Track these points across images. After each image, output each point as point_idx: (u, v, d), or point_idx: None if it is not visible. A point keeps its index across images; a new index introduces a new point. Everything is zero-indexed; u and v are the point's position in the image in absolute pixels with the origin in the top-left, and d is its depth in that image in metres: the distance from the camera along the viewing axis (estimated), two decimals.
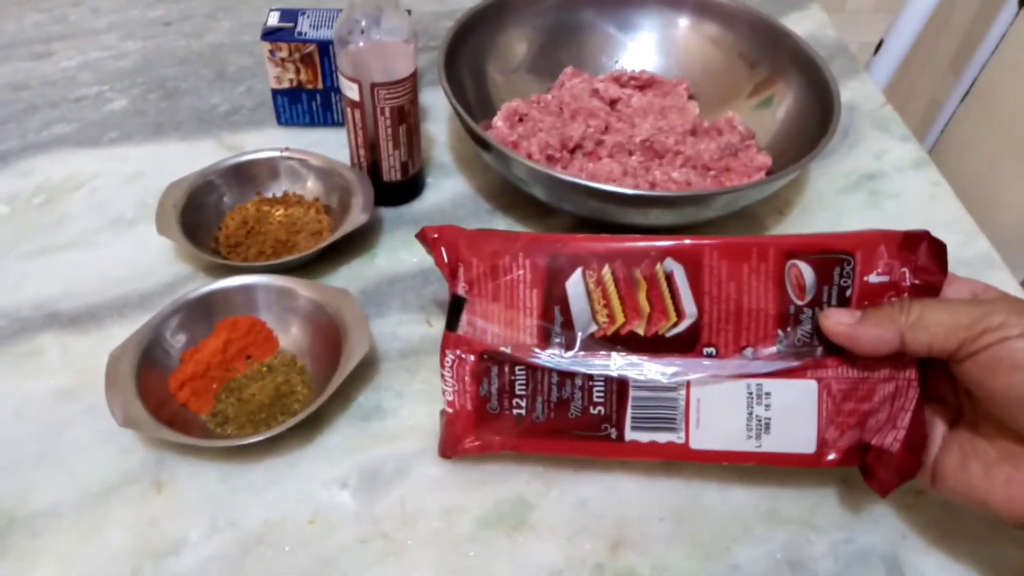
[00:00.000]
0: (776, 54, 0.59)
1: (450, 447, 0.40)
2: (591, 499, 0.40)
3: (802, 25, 0.75)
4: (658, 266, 0.38)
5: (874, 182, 0.60)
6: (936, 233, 0.54)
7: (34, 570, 0.37)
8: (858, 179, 0.61)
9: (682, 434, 0.38)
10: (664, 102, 0.60)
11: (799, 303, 0.38)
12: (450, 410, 0.40)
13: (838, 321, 0.36)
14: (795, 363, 0.38)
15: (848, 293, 0.38)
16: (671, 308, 0.38)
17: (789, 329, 0.38)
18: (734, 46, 0.61)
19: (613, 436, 0.39)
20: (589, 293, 0.39)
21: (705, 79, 0.62)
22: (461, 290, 0.40)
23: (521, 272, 0.39)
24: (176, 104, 0.64)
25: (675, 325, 0.38)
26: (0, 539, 0.38)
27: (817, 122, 0.54)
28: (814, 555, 0.39)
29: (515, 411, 0.39)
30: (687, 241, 0.39)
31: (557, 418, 0.39)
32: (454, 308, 0.40)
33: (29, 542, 0.38)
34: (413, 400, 0.44)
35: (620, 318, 0.39)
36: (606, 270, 0.39)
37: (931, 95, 1.52)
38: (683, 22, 0.63)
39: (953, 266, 0.54)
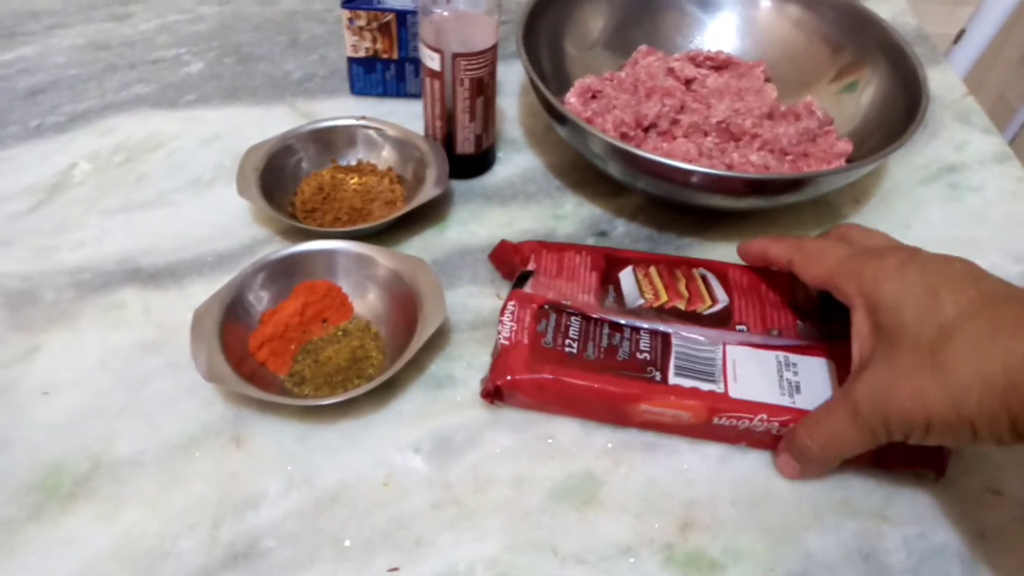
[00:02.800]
0: (862, 40, 0.58)
1: (499, 374, 0.41)
2: (660, 479, 0.40)
3: (881, 11, 0.73)
4: (694, 270, 0.47)
5: (954, 174, 0.59)
6: (1018, 229, 0.53)
7: (119, 513, 0.38)
8: (938, 170, 0.59)
9: (721, 385, 0.41)
10: (740, 84, 0.59)
11: (808, 308, 0.45)
12: (505, 342, 0.42)
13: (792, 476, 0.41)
14: (812, 343, 0.43)
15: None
16: (706, 295, 0.45)
17: (805, 320, 0.44)
18: (818, 29, 0.60)
19: (657, 378, 0.41)
20: (638, 281, 0.46)
21: (784, 62, 0.61)
22: (530, 267, 0.46)
23: (582, 260, 0.47)
24: (251, 69, 0.65)
25: (710, 307, 0.44)
26: (87, 481, 0.39)
27: (902, 110, 0.52)
28: (887, 548, 0.38)
29: (567, 348, 0.42)
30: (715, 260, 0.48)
31: (606, 359, 0.41)
32: (521, 278, 0.46)
33: (115, 487, 0.39)
34: (483, 370, 0.44)
35: (664, 296, 0.45)
36: (652, 268, 0.46)
37: (1000, 92, 1.47)
38: (765, 3, 0.61)
39: None
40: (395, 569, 0.37)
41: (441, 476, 0.40)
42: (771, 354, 0.42)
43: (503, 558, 0.37)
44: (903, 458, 0.40)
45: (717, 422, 0.40)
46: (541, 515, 0.39)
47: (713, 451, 0.41)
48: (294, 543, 0.37)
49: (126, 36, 0.67)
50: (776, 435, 0.40)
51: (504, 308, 0.44)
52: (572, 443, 0.42)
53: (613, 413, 0.41)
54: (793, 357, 0.42)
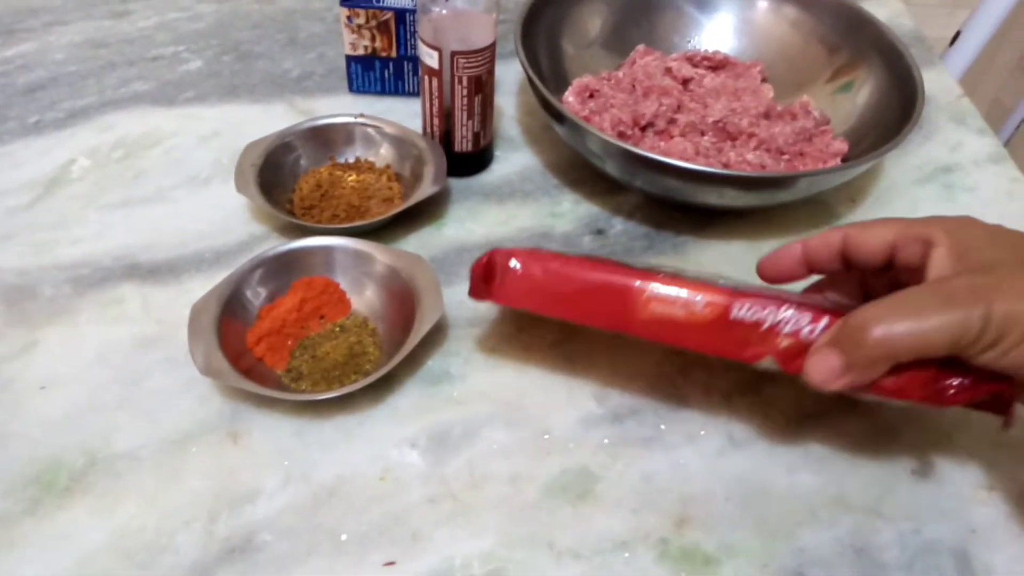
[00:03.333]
0: (858, 40, 0.58)
1: (496, 254, 0.38)
2: (656, 474, 0.41)
3: (878, 13, 0.73)
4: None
5: (949, 175, 0.59)
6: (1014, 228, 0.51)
7: (116, 507, 0.38)
8: (933, 171, 0.59)
9: (739, 283, 0.37)
10: (737, 84, 0.59)
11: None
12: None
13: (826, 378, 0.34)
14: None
15: None
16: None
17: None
18: (814, 30, 0.60)
19: (668, 270, 0.37)
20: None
21: (780, 62, 0.61)
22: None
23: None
24: (250, 67, 0.65)
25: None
26: (84, 476, 0.39)
27: (897, 111, 0.53)
28: (880, 543, 0.39)
29: (562, 253, 0.39)
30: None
31: (609, 262, 0.38)
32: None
33: (112, 481, 0.39)
34: (481, 367, 0.45)
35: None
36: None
37: (995, 95, 1.48)
38: (762, 3, 0.62)
39: None
40: (391, 563, 0.37)
41: (437, 471, 0.40)
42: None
43: (499, 553, 0.37)
44: (971, 393, 0.34)
45: (737, 314, 0.35)
46: (537, 510, 0.39)
47: (709, 446, 0.42)
48: (290, 537, 0.37)
49: (125, 33, 0.68)
50: (807, 343, 0.35)
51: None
52: (568, 439, 0.42)
53: (617, 308, 0.36)
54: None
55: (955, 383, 0.34)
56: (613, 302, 0.37)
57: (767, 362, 0.36)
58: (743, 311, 0.35)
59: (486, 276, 0.39)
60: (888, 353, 0.33)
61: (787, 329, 0.35)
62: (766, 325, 0.35)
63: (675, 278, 0.37)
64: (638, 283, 0.36)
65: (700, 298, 0.35)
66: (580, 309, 0.37)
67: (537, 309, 0.38)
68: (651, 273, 0.37)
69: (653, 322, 0.36)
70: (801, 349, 0.35)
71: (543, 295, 0.38)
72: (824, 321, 0.35)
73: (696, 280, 0.37)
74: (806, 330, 0.35)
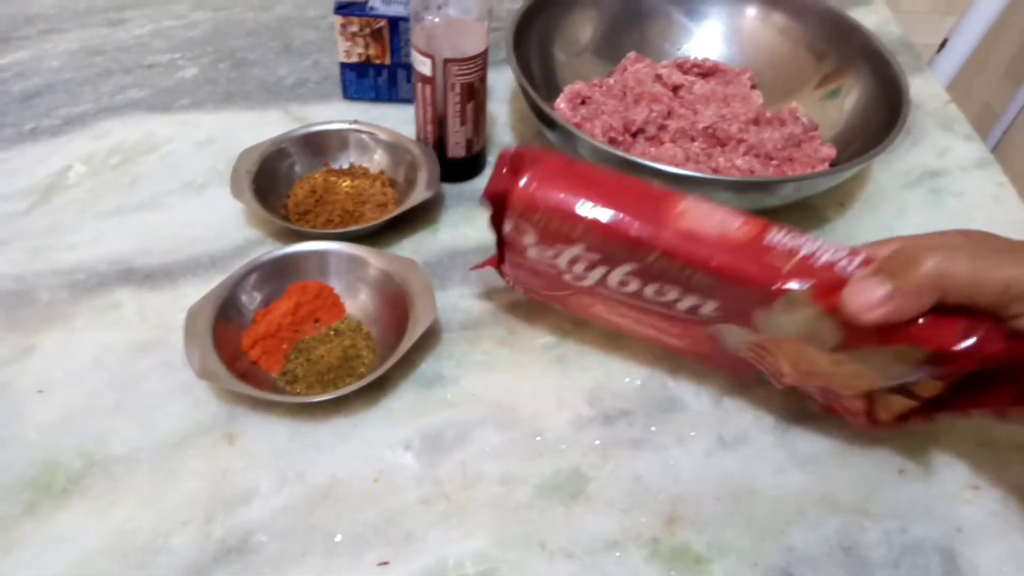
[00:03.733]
0: (845, 47, 0.59)
1: (514, 155, 0.36)
2: (647, 475, 0.41)
3: (866, 20, 0.74)
4: None
5: (937, 179, 0.60)
6: (999, 233, 0.53)
7: (113, 509, 0.39)
8: (920, 176, 0.60)
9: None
10: (727, 90, 0.60)
11: None
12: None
13: (870, 304, 0.32)
14: None
15: None
16: None
17: None
18: (802, 37, 0.61)
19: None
20: None
21: (769, 69, 0.62)
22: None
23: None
24: (245, 74, 0.65)
25: None
26: (81, 478, 0.40)
27: (884, 116, 0.54)
28: (868, 542, 0.39)
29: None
30: None
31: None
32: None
33: (109, 483, 0.39)
34: (473, 370, 0.45)
35: None
36: None
37: (985, 101, 1.49)
38: (751, 11, 0.63)
39: None
40: (385, 563, 0.37)
41: (431, 473, 0.41)
42: None
43: (491, 553, 0.38)
44: (994, 346, 0.32)
45: (772, 239, 0.34)
46: (529, 511, 0.39)
47: (699, 447, 0.42)
48: (286, 538, 0.38)
49: (121, 41, 0.68)
50: (842, 277, 0.33)
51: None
52: (560, 440, 0.42)
53: (650, 210, 0.35)
54: None
55: (982, 332, 0.32)
56: (647, 204, 0.35)
57: (796, 289, 0.33)
58: (779, 236, 0.34)
59: (515, 167, 0.36)
60: (938, 284, 0.31)
61: (823, 260, 0.34)
62: (801, 254, 0.34)
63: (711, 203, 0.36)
64: (675, 194, 0.35)
65: (736, 219, 0.34)
66: (614, 204, 0.35)
67: (569, 193, 0.35)
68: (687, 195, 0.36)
69: (684, 234, 0.34)
70: (836, 283, 0.33)
71: (578, 182, 0.36)
72: (861, 258, 0.34)
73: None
74: (843, 263, 0.33)
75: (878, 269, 0.33)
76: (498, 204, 0.39)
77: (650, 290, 0.38)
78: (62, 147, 0.58)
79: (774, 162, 0.55)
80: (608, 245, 0.36)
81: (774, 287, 0.34)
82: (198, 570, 0.37)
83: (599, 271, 0.38)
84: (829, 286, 0.33)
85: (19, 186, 0.55)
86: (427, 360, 0.45)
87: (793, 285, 0.34)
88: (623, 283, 0.38)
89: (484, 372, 0.45)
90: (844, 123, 0.57)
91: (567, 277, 0.40)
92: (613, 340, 0.47)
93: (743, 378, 0.42)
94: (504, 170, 0.38)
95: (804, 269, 0.34)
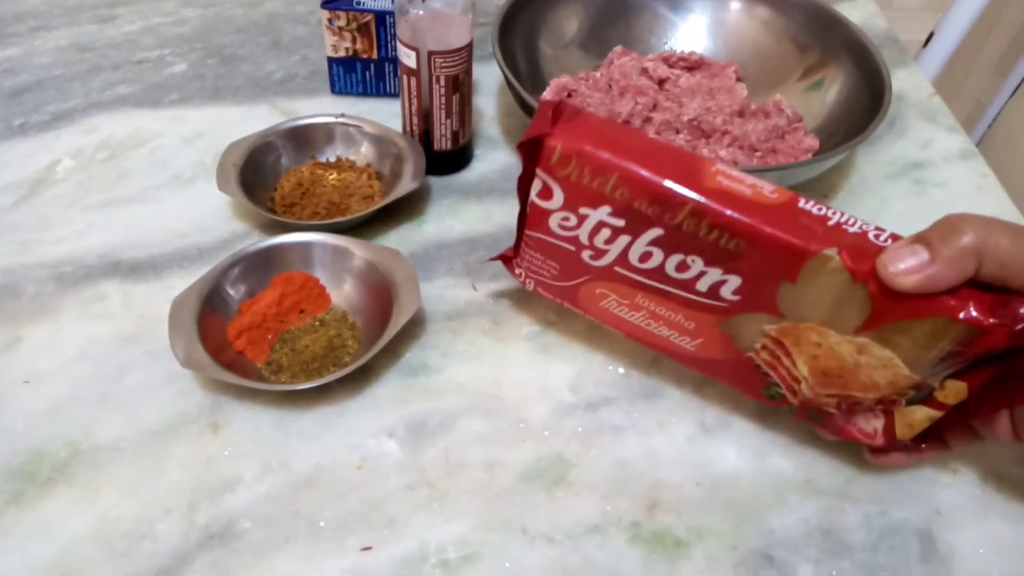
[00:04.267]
0: (828, 39, 0.59)
1: (557, 104, 0.36)
2: (629, 461, 0.42)
3: (852, 15, 0.75)
4: None
5: (920, 171, 0.60)
6: None
7: (98, 498, 0.39)
8: (904, 167, 0.61)
9: None
10: (712, 83, 0.60)
11: None
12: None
13: (908, 268, 0.32)
14: None
15: None
16: None
17: None
18: (786, 30, 0.61)
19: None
20: None
21: (754, 62, 0.62)
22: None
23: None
24: (233, 70, 0.66)
25: None
26: (66, 467, 0.40)
27: (867, 107, 0.54)
28: (847, 525, 0.40)
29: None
30: None
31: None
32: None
33: (93, 473, 0.40)
34: (458, 360, 0.45)
35: None
36: None
37: (976, 98, 1.50)
38: (735, 5, 0.63)
39: None
40: (368, 548, 0.37)
41: (414, 460, 0.41)
42: None
43: (473, 538, 0.38)
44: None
45: (804, 206, 0.35)
46: (511, 496, 0.40)
47: (680, 433, 0.43)
48: (269, 524, 0.38)
49: (110, 38, 0.68)
50: (873, 246, 0.33)
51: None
52: (543, 427, 0.43)
53: (685, 169, 0.35)
54: None
55: (1017, 306, 0.32)
56: (682, 162, 0.36)
57: (832, 254, 0.34)
58: (810, 205, 0.35)
59: (556, 116, 0.37)
60: (977, 254, 0.31)
61: (853, 229, 0.34)
62: (833, 221, 0.34)
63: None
64: (709, 159, 0.35)
65: (769, 185, 0.35)
66: (649, 159, 0.36)
67: (605, 143, 0.36)
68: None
69: (720, 191, 0.35)
70: (867, 251, 0.34)
71: (614, 136, 0.36)
72: (889, 233, 0.34)
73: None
74: (872, 234, 0.34)
75: (917, 237, 0.33)
76: (531, 156, 0.38)
77: (672, 263, 0.37)
78: (51, 142, 0.58)
79: (758, 153, 0.56)
80: (638, 203, 0.36)
81: (809, 248, 0.34)
82: (182, 557, 0.37)
83: (622, 242, 0.38)
84: (861, 252, 0.34)
85: (7, 181, 0.55)
86: (412, 350, 0.46)
87: (826, 250, 0.34)
88: (645, 256, 0.38)
89: (468, 361, 0.45)
90: (827, 114, 0.57)
91: (586, 255, 0.39)
92: (596, 330, 0.47)
93: (750, 395, 0.41)
94: (545, 116, 0.37)
95: (837, 234, 0.34)
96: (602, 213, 0.38)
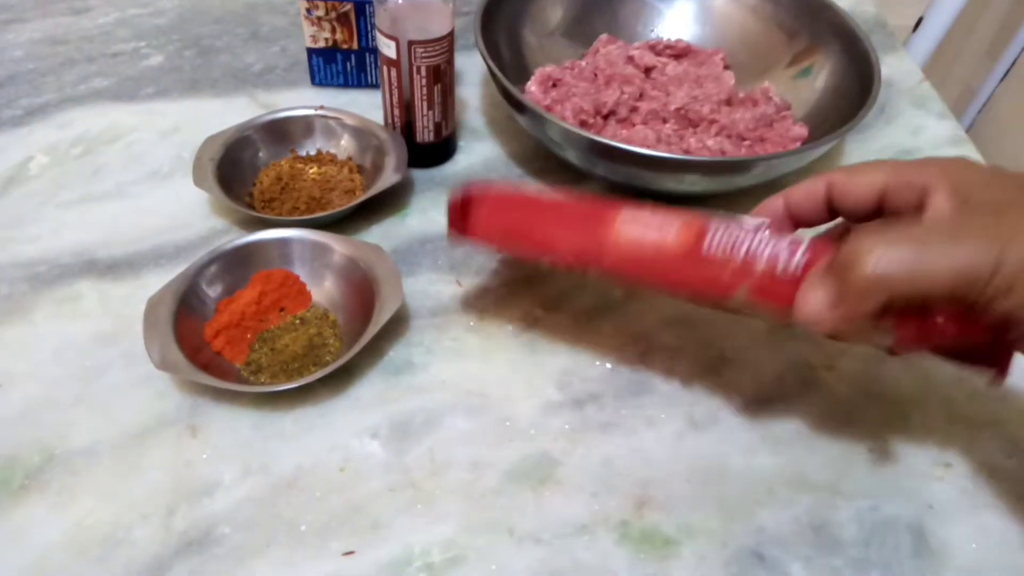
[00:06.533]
0: (816, 25, 0.58)
1: (473, 185, 0.39)
2: (616, 458, 0.41)
3: (840, 0, 0.74)
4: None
5: (910, 158, 0.59)
6: None
7: (73, 504, 0.38)
8: (894, 155, 0.60)
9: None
10: (700, 71, 0.59)
11: None
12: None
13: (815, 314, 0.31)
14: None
15: None
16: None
17: None
18: (773, 16, 0.60)
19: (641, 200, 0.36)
20: None
21: (742, 49, 0.61)
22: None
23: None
24: (211, 62, 0.64)
25: None
26: (40, 473, 0.39)
27: (856, 94, 0.53)
28: (839, 520, 0.39)
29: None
30: None
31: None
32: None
33: (69, 478, 0.39)
34: (443, 356, 0.45)
35: None
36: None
37: (966, 82, 1.49)
38: None
39: None
40: (350, 552, 0.37)
41: (398, 460, 0.40)
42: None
43: (459, 540, 0.37)
44: (967, 349, 0.33)
45: (709, 242, 0.33)
46: (497, 496, 0.39)
47: (669, 429, 0.42)
48: (249, 529, 0.37)
49: (85, 30, 0.67)
50: (788, 278, 0.32)
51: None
52: (530, 425, 0.42)
53: (588, 237, 0.35)
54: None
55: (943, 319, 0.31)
56: (587, 224, 0.35)
57: (740, 293, 0.33)
58: (717, 237, 0.33)
59: (464, 209, 0.38)
60: (882, 285, 0.29)
61: (766, 253, 0.33)
62: (742, 253, 0.33)
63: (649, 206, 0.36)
64: (613, 209, 0.35)
65: (674, 225, 0.34)
66: (554, 232, 0.36)
67: (511, 234, 0.38)
68: (624, 203, 0.36)
69: (624, 255, 0.35)
70: (779, 279, 0.32)
71: (517, 217, 0.38)
72: (804, 246, 0.32)
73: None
74: (785, 254, 0.32)
75: (828, 266, 0.31)
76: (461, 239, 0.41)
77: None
78: (24, 137, 0.57)
79: (746, 142, 0.55)
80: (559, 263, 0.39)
81: (716, 295, 0.34)
82: (159, 564, 0.36)
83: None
84: (771, 283, 0.33)
85: None
86: (395, 347, 0.45)
87: (735, 293, 0.33)
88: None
89: (453, 358, 0.45)
90: (816, 102, 0.56)
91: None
92: (583, 326, 0.46)
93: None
94: (456, 214, 0.40)
95: (745, 272, 0.33)
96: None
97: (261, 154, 0.53)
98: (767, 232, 0.33)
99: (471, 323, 0.46)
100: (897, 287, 0.29)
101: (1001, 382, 0.34)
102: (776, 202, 0.37)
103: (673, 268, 0.34)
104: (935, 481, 0.41)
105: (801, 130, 0.55)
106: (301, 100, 0.59)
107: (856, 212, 0.35)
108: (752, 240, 0.33)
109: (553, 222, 0.37)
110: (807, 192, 0.36)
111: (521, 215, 0.38)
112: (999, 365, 0.34)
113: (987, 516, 0.39)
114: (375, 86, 0.61)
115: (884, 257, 0.29)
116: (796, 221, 0.37)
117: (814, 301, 0.31)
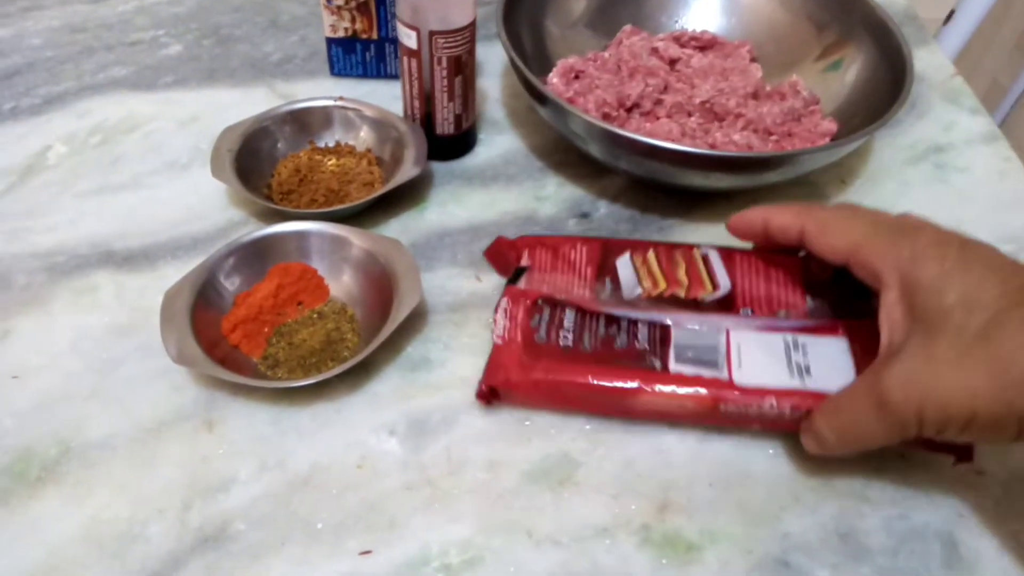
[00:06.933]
0: (847, 17, 0.57)
1: (493, 375, 0.40)
2: (638, 459, 0.40)
3: None
4: (695, 250, 0.44)
5: (941, 155, 0.58)
6: (1005, 210, 0.52)
7: (89, 497, 0.38)
8: (925, 151, 0.58)
9: (725, 371, 0.39)
10: (725, 64, 0.58)
11: (823, 279, 0.42)
12: (498, 340, 0.41)
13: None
14: (826, 322, 0.41)
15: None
16: (707, 281, 0.43)
17: (816, 298, 0.42)
18: (802, 8, 0.59)
19: (657, 367, 0.39)
20: (636, 268, 0.43)
21: (769, 41, 0.60)
22: (524, 262, 0.45)
23: (578, 253, 0.45)
24: (229, 51, 0.64)
25: (712, 293, 0.42)
26: (56, 465, 0.39)
27: (887, 89, 0.52)
28: (867, 528, 0.38)
29: (562, 342, 0.40)
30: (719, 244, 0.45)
31: (603, 349, 0.40)
32: (516, 275, 0.44)
33: (85, 471, 0.38)
34: (461, 353, 0.44)
35: (662, 284, 0.43)
36: (650, 252, 0.44)
37: (993, 76, 1.46)
38: None
39: (1022, 245, 0.52)
40: (367, 552, 0.36)
41: (415, 458, 0.39)
42: (778, 336, 0.40)
43: (476, 540, 0.37)
44: (926, 440, 0.37)
45: (724, 409, 0.38)
46: (516, 497, 0.38)
47: (692, 432, 0.41)
48: (265, 526, 0.37)
49: (103, 18, 0.66)
50: (790, 419, 0.38)
51: (497, 306, 0.42)
52: (549, 424, 0.41)
53: (615, 406, 0.40)
54: (803, 338, 0.40)
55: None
56: (612, 401, 0.40)
57: (755, 428, 0.40)
58: (728, 407, 0.38)
59: (490, 397, 0.41)
60: (849, 449, 0.37)
61: (770, 414, 0.38)
62: (752, 412, 0.39)
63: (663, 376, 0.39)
64: (631, 396, 0.39)
65: (691, 404, 0.39)
66: (584, 406, 0.41)
67: (543, 408, 0.41)
68: (645, 372, 0.39)
69: (652, 413, 0.40)
70: (784, 422, 0.39)
71: (547, 403, 0.41)
72: (799, 401, 0.38)
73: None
74: (787, 412, 0.38)
75: (806, 427, 0.38)
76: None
77: None
78: (42, 126, 0.57)
79: (773, 137, 0.54)
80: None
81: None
82: (175, 559, 0.36)
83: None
84: (787, 426, 0.39)
85: None
86: (413, 343, 0.44)
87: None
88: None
89: (472, 355, 0.44)
90: (846, 96, 0.55)
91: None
92: None
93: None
94: (484, 388, 0.41)
95: (762, 420, 0.39)
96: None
97: (280, 145, 0.52)
98: (771, 404, 0.38)
99: (490, 320, 0.46)
100: (864, 448, 0.37)
101: (968, 463, 0.38)
102: (756, 220, 0.41)
103: (698, 419, 0.40)
104: (967, 488, 0.40)
105: (830, 125, 0.53)
106: (320, 90, 0.58)
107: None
108: (763, 405, 0.38)
109: (582, 401, 0.40)
110: (782, 227, 0.40)
111: (548, 399, 0.40)
112: (961, 452, 0.38)
113: (1019, 525, 0.38)
114: (395, 77, 0.60)
115: (833, 436, 0.37)
116: (771, 242, 0.41)
117: (808, 445, 0.38)
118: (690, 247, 0.44)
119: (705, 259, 0.43)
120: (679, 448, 0.40)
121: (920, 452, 0.39)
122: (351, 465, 0.39)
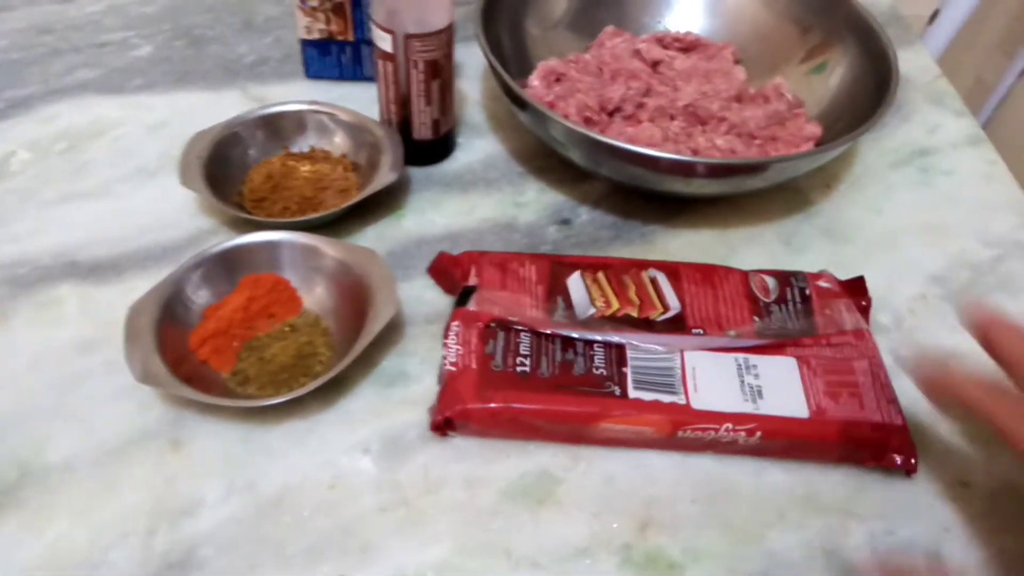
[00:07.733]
0: (831, 19, 0.56)
1: (448, 405, 0.39)
2: (619, 476, 0.39)
3: None
4: (643, 273, 0.44)
5: (926, 158, 0.58)
6: (990, 214, 0.51)
7: (49, 523, 0.36)
8: (910, 154, 0.58)
9: (682, 396, 0.39)
10: (709, 66, 0.57)
11: (766, 300, 0.43)
12: (451, 368, 0.40)
13: None
14: (774, 342, 0.41)
15: (807, 292, 0.44)
16: (657, 302, 0.43)
17: (764, 318, 0.43)
18: (786, 9, 0.58)
19: (616, 393, 0.39)
20: (587, 288, 0.43)
21: (753, 43, 0.59)
22: (472, 281, 0.43)
23: (527, 271, 0.44)
24: (202, 53, 0.62)
25: (662, 313, 0.43)
26: (15, 491, 0.37)
27: (872, 92, 0.51)
28: (852, 545, 0.37)
29: (519, 368, 0.39)
30: (666, 261, 0.46)
31: (561, 375, 0.39)
32: (463, 295, 0.43)
33: (44, 496, 0.37)
34: (438, 367, 0.43)
35: (615, 304, 0.43)
36: (600, 274, 0.44)
37: (977, 74, 1.46)
38: None
39: (1007, 249, 0.52)
40: None
41: (390, 477, 0.38)
42: (730, 357, 0.40)
43: (453, 562, 0.36)
44: (874, 453, 0.39)
45: (682, 435, 0.38)
46: (494, 516, 0.37)
47: None
48: (233, 551, 0.35)
49: (72, 19, 0.65)
50: (744, 445, 0.38)
51: (447, 329, 0.41)
52: (527, 441, 0.40)
53: (573, 434, 0.39)
54: (753, 358, 0.40)
55: (864, 451, 0.39)
56: (570, 429, 0.39)
57: (709, 454, 0.40)
58: (687, 432, 0.38)
59: (445, 428, 0.39)
60: None
61: (725, 439, 0.39)
62: (707, 438, 0.39)
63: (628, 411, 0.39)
64: (590, 422, 0.39)
65: (650, 431, 0.38)
66: (541, 435, 0.39)
67: (499, 438, 0.40)
68: (604, 399, 0.39)
69: (610, 440, 0.39)
70: (737, 448, 0.39)
71: (504, 433, 0.40)
72: (754, 426, 0.38)
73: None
74: (742, 437, 0.38)
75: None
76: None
77: None
78: (5, 132, 0.55)
79: (757, 141, 0.53)
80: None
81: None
82: None
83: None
84: (739, 452, 0.40)
85: None
86: (389, 357, 0.43)
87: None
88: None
89: None
90: (830, 99, 0.54)
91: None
92: None
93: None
94: (437, 417, 0.40)
95: (716, 445, 0.40)
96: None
97: (251, 151, 0.51)
98: (727, 428, 0.38)
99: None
100: None
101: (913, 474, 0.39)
102: (947, 381, 0.35)
103: (654, 445, 0.39)
104: (953, 501, 0.39)
105: (815, 128, 0.52)
106: (294, 93, 0.57)
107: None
108: (720, 430, 0.38)
109: (540, 430, 0.39)
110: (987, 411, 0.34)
111: (505, 428, 0.39)
112: (908, 463, 0.39)
113: (1007, 539, 0.38)
114: (372, 79, 0.59)
115: None
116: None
117: None
118: (639, 269, 0.44)
119: (654, 282, 0.44)
120: (661, 464, 0.39)
121: (870, 466, 0.39)
122: (323, 485, 0.38)
